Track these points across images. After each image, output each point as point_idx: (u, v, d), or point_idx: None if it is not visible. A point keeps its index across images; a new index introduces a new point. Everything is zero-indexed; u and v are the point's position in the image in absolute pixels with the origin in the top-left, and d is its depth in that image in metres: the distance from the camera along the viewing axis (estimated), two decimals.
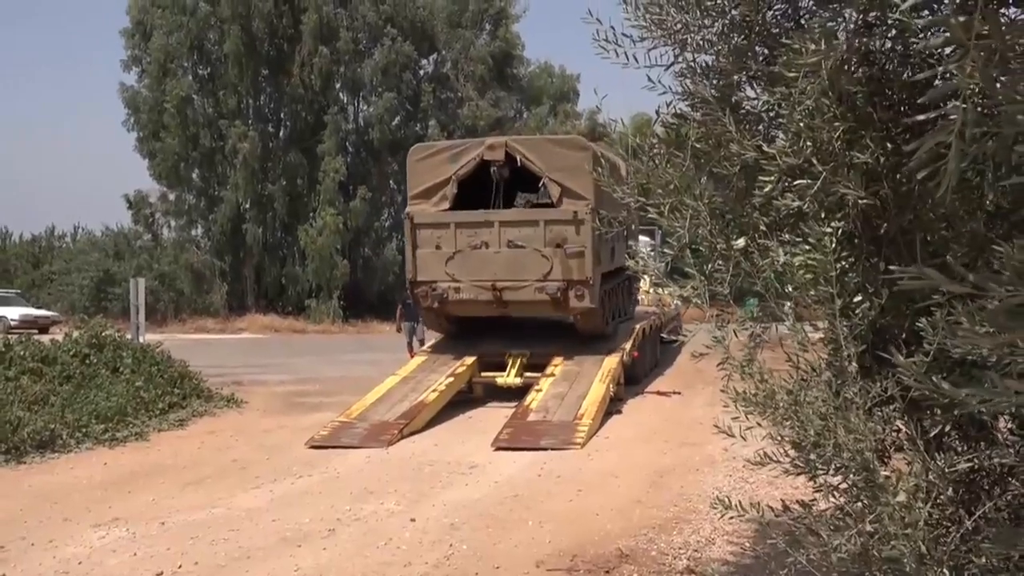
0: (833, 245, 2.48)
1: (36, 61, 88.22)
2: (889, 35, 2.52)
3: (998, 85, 1.36)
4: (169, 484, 7.38)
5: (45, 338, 13.67)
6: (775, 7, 2.79)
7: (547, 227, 11.51)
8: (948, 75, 1.44)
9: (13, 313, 26.54)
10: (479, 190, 12.17)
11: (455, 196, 11.86)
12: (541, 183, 11.95)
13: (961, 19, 1.32)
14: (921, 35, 1.50)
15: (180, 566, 5.13)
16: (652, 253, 17.77)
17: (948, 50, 1.48)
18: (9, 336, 12.58)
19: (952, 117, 1.34)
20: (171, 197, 35.28)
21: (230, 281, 33.90)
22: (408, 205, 12.35)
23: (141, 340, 14.83)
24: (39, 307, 29.76)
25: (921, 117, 1.68)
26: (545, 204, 12.49)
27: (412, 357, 13.78)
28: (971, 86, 1.35)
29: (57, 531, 5.95)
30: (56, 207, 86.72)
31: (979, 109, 1.46)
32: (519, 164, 11.60)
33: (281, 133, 35.02)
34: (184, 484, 7.38)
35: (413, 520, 6.05)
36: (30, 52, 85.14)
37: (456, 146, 12.34)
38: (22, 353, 11.28)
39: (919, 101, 1.96)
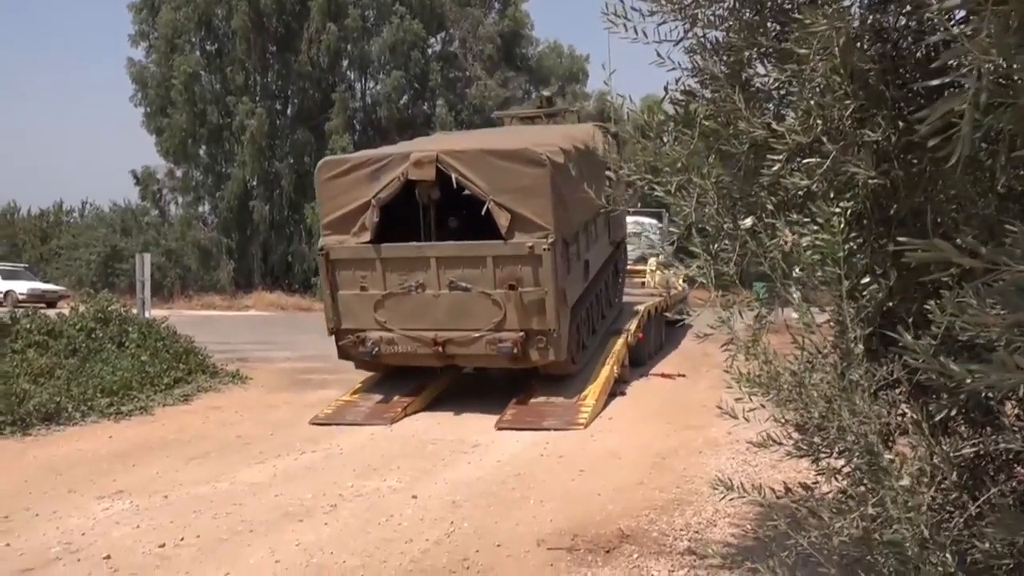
0: (842, 226, 2.45)
1: (45, 35, 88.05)
2: (903, 11, 2.47)
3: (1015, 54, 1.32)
4: (173, 458, 7.41)
5: (52, 312, 13.71)
6: None
7: (496, 265, 9.08)
8: (962, 42, 1.39)
9: (21, 287, 26.67)
10: (413, 214, 9.91)
11: (377, 225, 9.38)
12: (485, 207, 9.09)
13: None
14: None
15: (182, 539, 5.16)
16: (658, 235, 17.57)
17: (963, 16, 1.43)
18: (16, 310, 12.63)
19: (966, 85, 1.30)
20: (178, 173, 35.30)
21: (237, 258, 33.96)
22: (321, 236, 9.86)
23: (147, 315, 14.88)
24: (46, 281, 29.89)
25: (936, 82, 1.64)
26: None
27: None
28: (986, 57, 1.31)
29: (61, 503, 5.99)
30: (64, 182, 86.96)
31: (994, 78, 1.43)
32: (455, 184, 9.18)
33: (288, 110, 34.92)
34: (188, 458, 7.41)
35: (415, 497, 6.07)
36: (39, 27, 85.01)
37: (375, 160, 9.53)
38: (28, 326, 11.33)
39: (932, 66, 1.91)
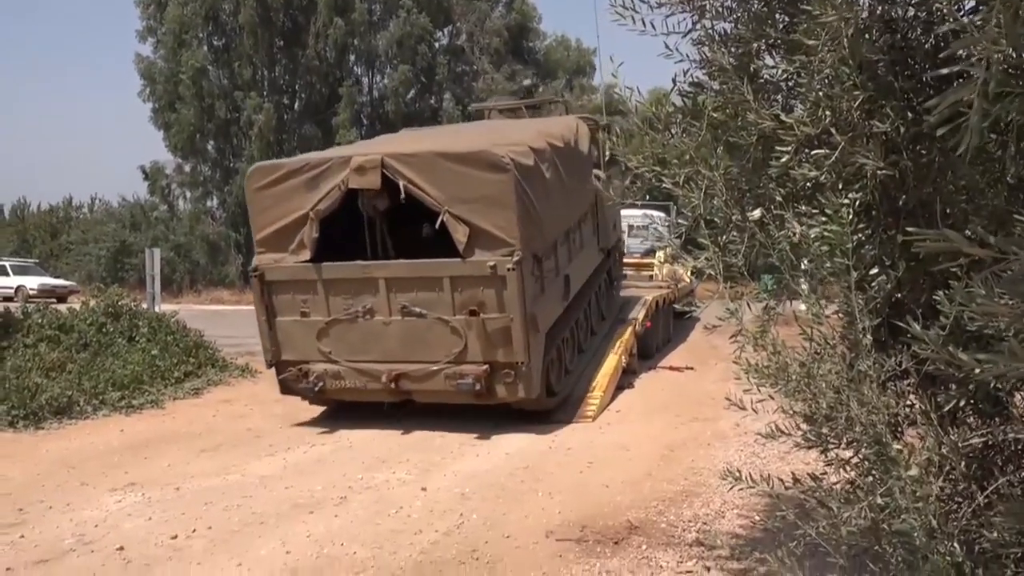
0: (850, 217, 2.44)
1: (51, 30, 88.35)
2: (912, 1, 2.47)
3: None
4: (184, 451, 7.47)
5: (63, 307, 13.79)
6: None
7: (454, 288, 7.82)
8: (971, 31, 1.39)
9: (32, 282, 26.88)
10: (362, 227, 8.57)
11: (316, 241, 8.14)
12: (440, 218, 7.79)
13: None
14: None
15: (194, 530, 5.20)
16: (666, 228, 17.53)
17: (972, 6, 1.43)
18: (28, 305, 12.72)
19: (975, 75, 1.31)
20: (187, 168, 35.53)
21: (245, 252, 34.10)
22: (255, 254, 8.65)
23: (157, 309, 14.96)
24: (57, 276, 30.10)
25: (945, 71, 1.64)
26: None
27: None
28: (995, 47, 1.31)
29: (74, 495, 6.04)
30: (73, 177, 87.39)
31: (1003, 67, 1.43)
32: (403, 194, 7.78)
33: (296, 105, 35.02)
34: (199, 451, 7.47)
35: (424, 489, 6.10)
36: (46, 22, 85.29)
37: (312, 165, 8.17)
38: (40, 321, 11.42)
39: (941, 56, 1.91)
